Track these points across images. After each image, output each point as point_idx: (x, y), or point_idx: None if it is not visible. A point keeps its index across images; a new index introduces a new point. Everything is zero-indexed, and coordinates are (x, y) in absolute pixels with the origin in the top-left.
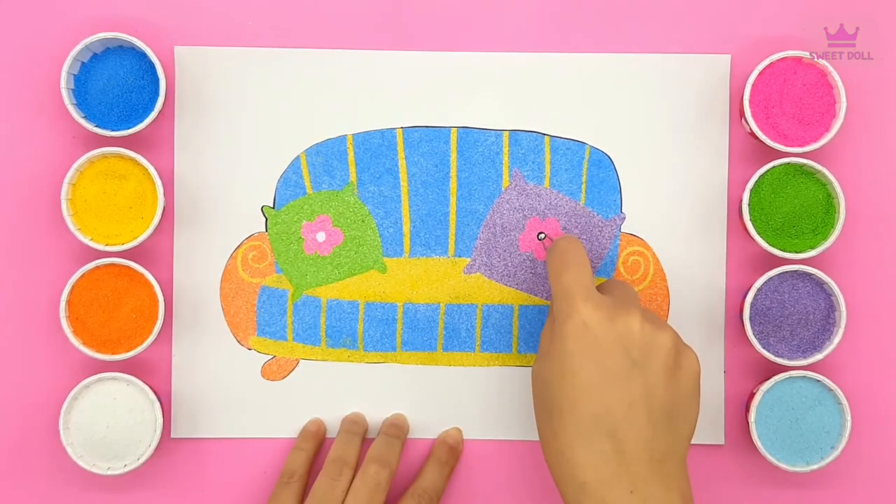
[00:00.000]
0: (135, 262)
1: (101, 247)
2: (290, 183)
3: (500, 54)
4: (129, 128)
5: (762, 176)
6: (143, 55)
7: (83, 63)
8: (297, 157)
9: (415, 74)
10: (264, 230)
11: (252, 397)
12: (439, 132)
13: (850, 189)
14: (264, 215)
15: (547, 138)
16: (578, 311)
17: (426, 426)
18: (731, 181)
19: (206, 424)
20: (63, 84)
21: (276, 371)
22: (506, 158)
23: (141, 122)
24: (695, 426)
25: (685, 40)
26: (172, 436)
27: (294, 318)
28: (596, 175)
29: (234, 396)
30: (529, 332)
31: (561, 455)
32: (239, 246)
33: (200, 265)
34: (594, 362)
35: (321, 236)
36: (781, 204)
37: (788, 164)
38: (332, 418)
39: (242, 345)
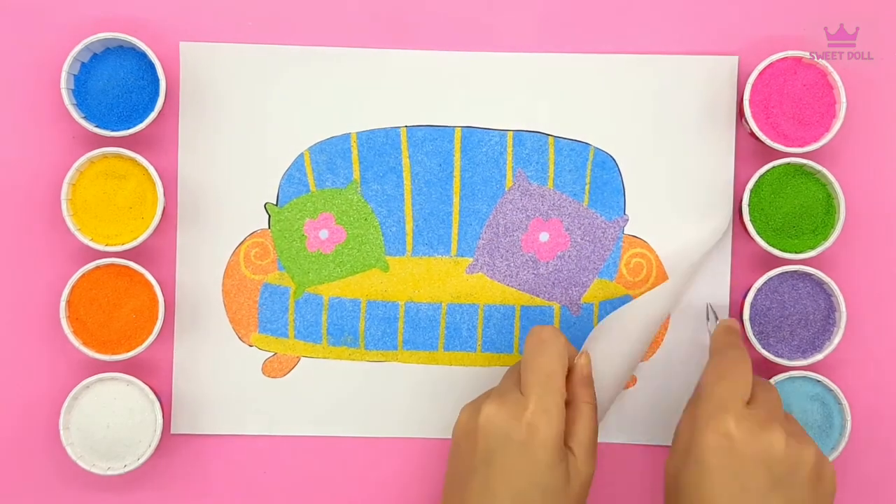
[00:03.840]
0: (135, 262)
1: (101, 247)
2: (293, 180)
3: (505, 54)
4: (129, 128)
5: (762, 176)
6: (144, 55)
7: (83, 63)
8: (301, 155)
9: (420, 73)
10: (267, 227)
11: (252, 394)
12: (443, 131)
13: (850, 189)
14: (267, 212)
15: (551, 139)
16: (724, 423)
17: (426, 425)
18: (731, 181)
19: (207, 421)
20: (63, 84)
21: (276, 368)
22: (509, 158)
23: (141, 122)
24: None
25: (685, 41)
26: (172, 431)
27: (296, 316)
28: (600, 176)
29: (235, 393)
30: None
31: None
32: (242, 242)
33: (203, 262)
34: (736, 479)
35: (324, 234)
36: (781, 204)
37: (788, 164)
38: (332, 416)
39: (244, 341)
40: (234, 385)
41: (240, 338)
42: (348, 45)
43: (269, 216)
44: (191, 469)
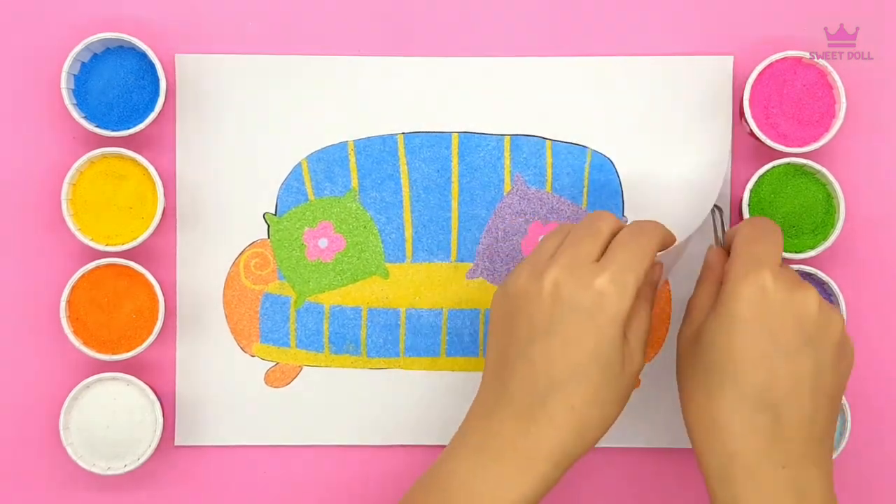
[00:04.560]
0: (135, 262)
1: (101, 247)
2: (291, 190)
3: (500, 59)
4: (129, 128)
5: (762, 176)
6: (144, 55)
7: (83, 63)
8: (299, 164)
9: (416, 80)
10: (266, 237)
11: (255, 404)
12: (441, 137)
13: (849, 189)
14: (266, 222)
15: (548, 142)
16: (761, 276)
17: (430, 432)
18: (731, 181)
19: (209, 432)
20: (63, 84)
21: (279, 378)
22: (507, 163)
23: (141, 122)
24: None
25: (684, 41)
26: (175, 443)
27: (297, 325)
28: (598, 179)
29: (237, 404)
30: None
31: (712, 420)
32: (241, 253)
33: (203, 272)
34: (767, 333)
35: (323, 242)
36: (781, 204)
37: (788, 164)
38: (335, 425)
39: (246, 352)
40: (237, 396)
41: (242, 348)
42: (344, 53)
43: (269, 226)
44: (192, 474)
